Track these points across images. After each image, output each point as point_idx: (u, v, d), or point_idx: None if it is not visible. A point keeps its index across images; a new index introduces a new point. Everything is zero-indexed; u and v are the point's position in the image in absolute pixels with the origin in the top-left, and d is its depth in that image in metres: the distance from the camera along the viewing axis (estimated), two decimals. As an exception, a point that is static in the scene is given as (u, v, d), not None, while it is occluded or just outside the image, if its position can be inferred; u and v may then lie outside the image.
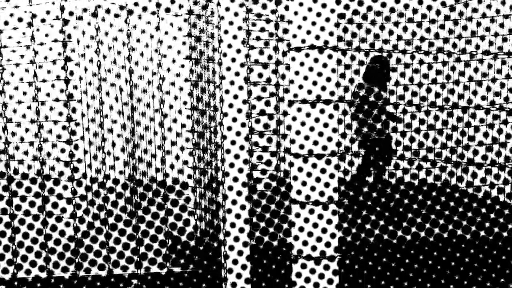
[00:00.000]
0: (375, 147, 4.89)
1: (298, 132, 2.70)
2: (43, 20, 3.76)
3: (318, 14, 2.64)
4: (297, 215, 2.75)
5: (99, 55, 3.95)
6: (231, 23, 2.92)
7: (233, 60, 2.93)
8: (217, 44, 2.93)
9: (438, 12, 4.87)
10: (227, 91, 2.95)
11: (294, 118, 2.69)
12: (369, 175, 5.02)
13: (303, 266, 2.77)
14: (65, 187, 4.48)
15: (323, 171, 2.69)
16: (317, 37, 2.66)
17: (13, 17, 3.67)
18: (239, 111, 2.97)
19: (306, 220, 2.75)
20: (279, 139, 4.17)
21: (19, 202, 3.86)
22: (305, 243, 2.75)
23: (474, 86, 4.95)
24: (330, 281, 2.75)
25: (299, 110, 2.69)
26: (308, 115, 2.70)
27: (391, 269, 3.85)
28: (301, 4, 2.67)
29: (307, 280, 2.77)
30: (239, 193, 2.98)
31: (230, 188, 3.00)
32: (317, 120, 2.69)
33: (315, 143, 2.71)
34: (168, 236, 3.79)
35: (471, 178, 5.06)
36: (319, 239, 2.75)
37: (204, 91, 3.95)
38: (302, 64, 2.68)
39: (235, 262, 3.03)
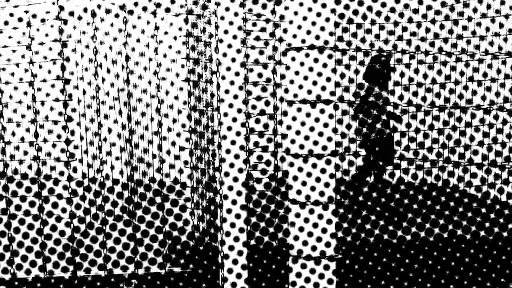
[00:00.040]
0: (376, 147, 4.89)
1: (298, 132, 2.70)
2: (42, 20, 3.76)
3: (318, 14, 2.64)
4: (297, 215, 2.74)
5: (95, 54, 3.95)
6: (231, 23, 2.92)
7: (233, 60, 2.93)
8: (217, 45, 2.93)
9: (438, 12, 4.87)
10: (226, 91, 2.95)
11: (294, 118, 2.69)
12: (370, 175, 5.02)
13: (303, 266, 2.77)
14: (65, 187, 4.47)
15: (323, 171, 2.69)
16: (317, 37, 2.66)
17: (13, 17, 3.66)
18: (239, 111, 2.97)
19: (306, 220, 2.75)
20: (275, 138, 4.17)
21: (19, 202, 3.86)
22: (304, 243, 2.75)
23: (474, 86, 4.95)
24: (330, 281, 2.75)
25: (299, 110, 2.69)
26: (308, 115, 2.70)
27: (390, 269, 3.85)
28: (301, 4, 2.67)
29: (307, 280, 2.77)
30: (238, 193, 2.98)
31: (230, 188, 3.00)
32: (316, 120, 2.69)
33: (315, 143, 2.70)
34: (167, 236, 3.79)
35: (471, 178, 5.06)
36: (318, 239, 2.75)
37: (205, 91, 3.95)
38: (302, 64, 2.68)
39: (235, 262, 3.03)
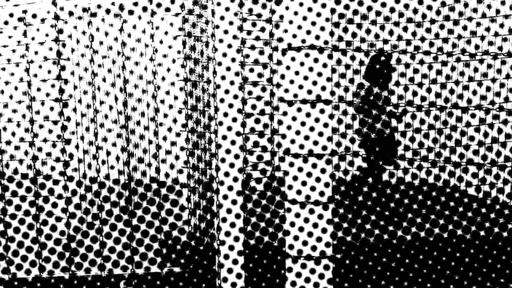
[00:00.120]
0: (376, 147, 4.89)
1: (297, 132, 2.70)
2: (42, 20, 3.76)
3: (318, 14, 2.64)
4: (296, 215, 2.74)
5: (92, 55, 3.95)
6: (231, 23, 2.92)
7: (233, 60, 2.93)
8: (216, 44, 2.93)
9: (438, 12, 4.86)
10: (227, 91, 2.95)
11: (294, 118, 2.69)
12: (372, 176, 5.02)
13: (303, 266, 2.77)
14: (65, 187, 4.47)
15: (323, 171, 2.69)
16: (317, 37, 2.66)
17: (13, 17, 3.66)
18: (240, 111, 2.97)
19: (305, 220, 2.75)
20: (273, 138, 4.17)
21: (19, 202, 3.86)
22: (304, 243, 2.75)
23: (474, 86, 4.95)
24: (329, 281, 2.75)
25: (299, 110, 2.69)
26: (308, 115, 2.70)
27: (390, 269, 3.84)
28: (301, 4, 2.67)
29: (307, 280, 2.77)
30: (238, 193, 2.97)
31: (230, 188, 3.00)
32: (316, 120, 2.69)
33: (315, 143, 2.70)
34: (167, 236, 3.79)
35: (471, 178, 5.06)
36: (318, 239, 2.75)
37: (205, 91, 3.95)
38: (302, 64, 2.68)
39: (235, 262, 3.03)
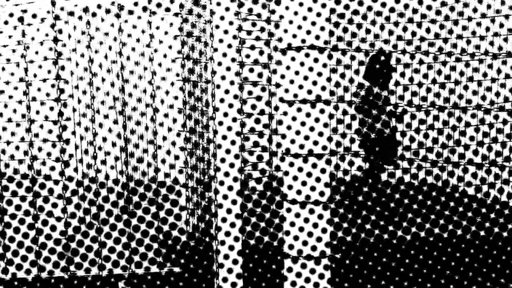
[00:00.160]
0: (376, 147, 4.89)
1: (297, 132, 2.70)
2: (42, 20, 3.76)
3: (318, 14, 2.64)
4: (297, 215, 2.74)
5: (91, 54, 3.95)
6: (231, 23, 2.92)
7: (233, 60, 2.93)
8: (216, 44, 2.93)
9: (438, 12, 4.86)
10: (226, 91, 2.95)
11: (294, 118, 2.69)
12: (371, 176, 5.02)
13: (302, 265, 2.77)
14: (65, 187, 4.47)
15: (323, 171, 2.69)
16: (317, 37, 2.66)
17: (13, 17, 3.66)
18: (239, 111, 2.97)
19: (306, 220, 2.75)
20: (271, 138, 4.17)
21: (19, 202, 3.86)
22: (303, 242, 2.75)
23: (474, 86, 4.95)
24: (330, 281, 2.75)
25: (299, 110, 2.69)
26: (308, 115, 2.70)
27: (389, 268, 3.84)
28: (301, 4, 2.67)
29: (307, 280, 2.77)
30: (238, 193, 2.98)
31: (230, 188, 3.00)
32: (316, 120, 2.69)
33: (315, 143, 2.70)
34: (167, 236, 3.78)
35: (471, 178, 5.06)
36: (316, 238, 2.75)
37: (204, 91, 3.95)
38: (302, 64, 2.68)
39: (235, 262, 3.03)
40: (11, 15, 3.68)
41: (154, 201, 3.94)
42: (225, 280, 3.02)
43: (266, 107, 4.08)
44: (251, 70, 3.72)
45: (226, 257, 3.02)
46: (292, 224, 2.75)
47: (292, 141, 2.72)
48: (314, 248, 2.76)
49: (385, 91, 4.99)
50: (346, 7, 4.00)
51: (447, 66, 5.15)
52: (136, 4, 3.97)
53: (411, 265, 3.86)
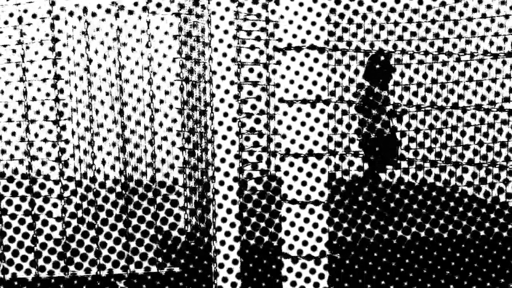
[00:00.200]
0: (376, 147, 4.89)
1: (298, 132, 2.70)
2: (43, 20, 3.76)
3: (318, 14, 2.64)
4: (295, 215, 2.74)
5: (88, 53, 3.95)
6: (231, 23, 2.92)
7: (233, 60, 2.93)
8: (216, 44, 2.93)
9: (438, 12, 4.86)
10: (227, 91, 2.95)
11: (294, 118, 2.69)
12: (371, 176, 5.02)
13: (303, 266, 2.77)
14: (65, 187, 4.47)
15: (322, 171, 2.69)
16: (317, 37, 2.66)
17: (13, 16, 3.66)
18: (239, 111, 2.97)
19: (306, 220, 2.75)
20: (271, 138, 4.17)
21: (19, 202, 3.86)
22: (300, 241, 2.75)
23: (474, 86, 4.95)
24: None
25: (299, 110, 2.69)
26: (308, 114, 2.70)
27: (389, 268, 3.84)
28: (301, 4, 2.67)
29: (307, 280, 2.77)
30: (238, 193, 2.98)
31: (230, 188, 3.00)
32: (316, 120, 2.69)
33: (315, 143, 2.70)
34: (167, 236, 3.78)
35: (471, 178, 5.06)
36: (311, 237, 2.75)
37: (204, 91, 3.95)
38: (302, 64, 2.68)
39: (235, 262, 3.03)
40: (11, 15, 3.68)
41: (153, 201, 3.94)
42: (225, 280, 3.02)
43: (266, 107, 4.08)
44: (251, 70, 3.73)
45: (226, 257, 3.02)
46: (292, 224, 2.75)
47: (292, 141, 2.72)
48: (314, 248, 2.76)
49: (384, 91, 4.99)
50: (346, 7, 4.00)
51: (447, 66, 5.15)
52: (136, 4, 3.97)
53: (410, 265, 3.86)
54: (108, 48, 5.12)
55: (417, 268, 3.85)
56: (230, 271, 3.02)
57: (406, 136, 5.19)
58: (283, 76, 2.70)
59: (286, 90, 2.70)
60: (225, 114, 2.98)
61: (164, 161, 5.21)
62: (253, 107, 3.78)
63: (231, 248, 3.01)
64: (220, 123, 2.98)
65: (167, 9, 3.77)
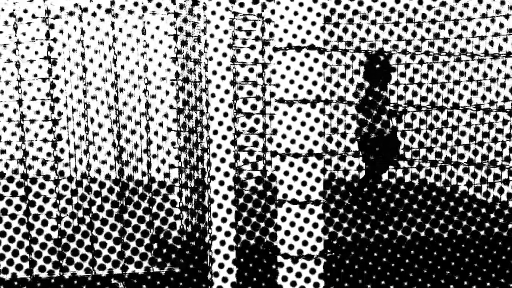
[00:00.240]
0: (376, 147, 4.89)
1: (298, 132, 2.70)
2: (43, 20, 3.76)
3: (318, 14, 2.64)
4: (290, 214, 2.74)
5: (84, 51, 3.94)
6: (231, 23, 2.92)
7: (233, 60, 2.93)
8: (216, 44, 2.93)
9: (438, 12, 4.87)
10: (226, 91, 2.95)
11: (294, 118, 2.69)
12: (371, 177, 5.01)
13: (303, 266, 2.77)
14: (65, 187, 4.47)
15: (323, 171, 2.69)
16: (317, 37, 2.66)
17: (13, 17, 3.66)
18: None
19: (306, 220, 2.75)
20: (265, 140, 4.17)
21: (19, 202, 3.86)
22: (295, 238, 2.75)
23: (473, 86, 4.95)
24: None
25: (299, 110, 2.69)
26: (309, 115, 2.70)
27: (386, 268, 3.85)
28: (301, 4, 2.67)
29: (307, 280, 2.77)
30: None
31: (230, 188, 3.01)
32: (317, 120, 2.69)
33: (315, 143, 2.70)
34: (167, 236, 3.78)
35: (471, 178, 5.06)
36: (317, 239, 2.75)
37: (205, 90, 3.95)
38: (302, 64, 2.68)
39: (235, 262, 3.03)
40: (11, 15, 3.68)
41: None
42: (225, 280, 3.03)
43: (267, 107, 4.08)
44: (251, 70, 3.73)
45: (226, 257, 3.02)
46: (292, 224, 2.76)
47: (293, 141, 2.72)
48: (314, 248, 2.76)
49: (384, 91, 4.99)
50: (346, 7, 4.00)
51: (446, 66, 5.15)
52: (136, 4, 3.97)
53: (410, 265, 3.86)
54: (108, 48, 5.12)
55: (417, 268, 3.85)
56: (230, 271, 3.02)
57: (406, 136, 5.19)
58: (283, 76, 2.71)
59: (286, 90, 2.70)
60: (225, 114, 2.98)
61: (164, 161, 5.21)
62: (253, 107, 3.79)
63: (231, 248, 3.01)
64: (220, 123, 2.98)
65: (167, 9, 3.77)
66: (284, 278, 2.79)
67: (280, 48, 2.65)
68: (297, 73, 2.69)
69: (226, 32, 2.95)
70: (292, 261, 2.77)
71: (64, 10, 4.78)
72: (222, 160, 3.01)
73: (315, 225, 2.75)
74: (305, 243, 2.75)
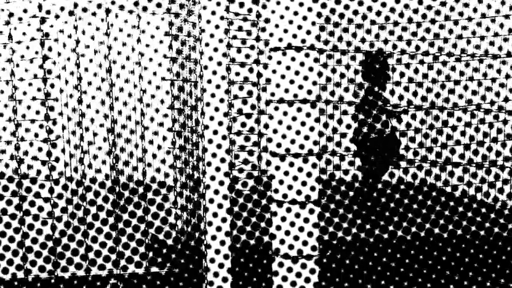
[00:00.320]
0: (376, 147, 4.89)
1: (293, 132, 2.70)
2: (43, 20, 3.76)
3: (319, 15, 2.64)
4: (297, 215, 2.74)
5: (78, 53, 3.94)
6: (231, 23, 2.92)
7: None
8: (216, 43, 2.93)
9: (438, 12, 4.87)
10: (227, 91, 2.95)
11: (295, 118, 2.69)
12: (371, 177, 5.02)
13: (303, 266, 2.77)
14: (65, 187, 4.47)
15: (300, 170, 2.68)
16: (318, 37, 2.66)
17: (13, 17, 3.66)
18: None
19: (306, 220, 2.74)
20: (259, 138, 4.17)
21: (19, 202, 3.86)
22: (283, 241, 2.75)
23: (473, 86, 4.95)
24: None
25: (300, 109, 2.69)
26: (308, 115, 2.70)
27: (385, 268, 3.85)
28: (301, 4, 2.67)
29: (307, 280, 2.77)
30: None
31: (231, 188, 3.00)
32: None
33: (315, 143, 2.70)
34: (167, 236, 3.78)
35: (471, 178, 5.06)
36: (300, 237, 2.75)
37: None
38: (302, 64, 2.68)
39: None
40: (11, 15, 3.68)
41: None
42: (225, 280, 3.02)
43: (267, 107, 4.08)
44: (251, 70, 3.72)
45: (226, 257, 3.02)
46: (292, 224, 2.76)
47: (293, 141, 2.72)
48: (314, 248, 2.76)
49: (381, 89, 4.98)
50: (346, 7, 4.00)
51: (447, 66, 5.15)
52: (136, 4, 3.97)
53: (410, 265, 3.86)
54: (108, 48, 5.12)
55: (415, 267, 3.85)
56: (230, 271, 3.02)
57: (405, 136, 5.20)
58: (283, 76, 2.71)
59: (286, 90, 2.70)
60: (225, 114, 2.98)
61: (164, 161, 5.21)
62: (253, 107, 3.79)
63: (231, 248, 3.01)
64: (220, 123, 2.98)
65: (168, 10, 3.77)
66: (282, 278, 2.79)
67: (275, 48, 2.65)
68: (283, 76, 2.69)
69: (218, 27, 2.95)
70: (292, 261, 2.77)
71: (64, 10, 4.78)
72: (214, 155, 3.01)
73: (306, 221, 2.75)
74: (296, 238, 2.75)
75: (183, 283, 3.68)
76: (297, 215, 2.72)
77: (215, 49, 2.99)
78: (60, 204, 4.43)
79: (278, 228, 2.77)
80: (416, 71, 5.14)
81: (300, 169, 2.68)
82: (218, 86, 2.98)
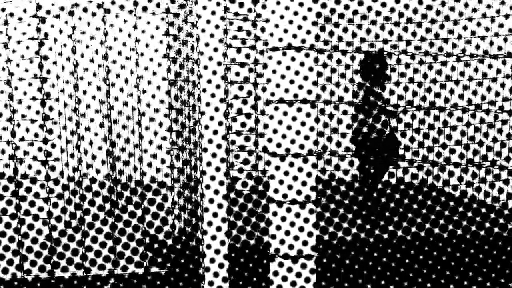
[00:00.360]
0: (375, 148, 4.89)
1: (297, 132, 2.70)
2: (43, 21, 3.76)
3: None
4: (297, 215, 2.74)
5: (76, 56, 3.94)
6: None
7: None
8: (215, 44, 2.93)
9: (438, 12, 4.86)
10: (226, 91, 2.95)
11: (294, 118, 2.69)
12: (371, 177, 5.02)
13: (303, 266, 2.77)
14: (65, 187, 4.47)
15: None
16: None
17: (13, 16, 3.66)
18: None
19: (306, 220, 2.74)
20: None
21: (19, 202, 3.86)
22: (282, 241, 2.74)
23: (473, 87, 4.95)
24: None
25: (299, 109, 2.69)
26: (308, 115, 2.70)
27: (385, 268, 3.85)
28: (301, 4, 2.66)
29: (307, 280, 2.77)
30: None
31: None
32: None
33: (315, 143, 2.70)
34: (168, 236, 3.78)
35: (471, 178, 5.06)
36: (296, 236, 2.75)
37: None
38: (302, 64, 2.68)
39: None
40: (11, 14, 3.68)
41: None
42: (225, 280, 3.02)
43: (266, 107, 4.08)
44: (251, 70, 3.72)
45: (227, 257, 3.02)
46: (292, 224, 2.75)
47: (292, 141, 2.72)
48: (314, 248, 2.76)
49: (379, 89, 4.98)
50: (346, 7, 4.00)
51: (447, 66, 5.15)
52: (136, 3, 3.97)
53: (410, 265, 3.86)
54: (108, 48, 5.12)
55: (416, 268, 3.85)
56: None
57: (405, 136, 5.19)
58: (283, 77, 2.71)
59: (286, 90, 2.70)
60: (225, 114, 2.98)
61: (164, 161, 5.21)
62: (253, 107, 3.79)
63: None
64: (220, 123, 2.98)
65: (167, 10, 3.77)
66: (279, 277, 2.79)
67: (275, 48, 2.65)
68: (283, 76, 2.69)
69: (217, 27, 2.95)
70: (292, 261, 2.77)
71: (64, 10, 4.78)
72: (213, 154, 3.01)
73: (306, 221, 2.75)
74: (292, 234, 2.75)
75: (183, 283, 3.68)
76: (297, 215, 2.72)
77: (215, 49, 2.99)
78: (60, 204, 4.43)
79: (278, 228, 2.77)
80: (416, 71, 5.14)
81: (300, 169, 2.68)
82: (217, 86, 2.98)
